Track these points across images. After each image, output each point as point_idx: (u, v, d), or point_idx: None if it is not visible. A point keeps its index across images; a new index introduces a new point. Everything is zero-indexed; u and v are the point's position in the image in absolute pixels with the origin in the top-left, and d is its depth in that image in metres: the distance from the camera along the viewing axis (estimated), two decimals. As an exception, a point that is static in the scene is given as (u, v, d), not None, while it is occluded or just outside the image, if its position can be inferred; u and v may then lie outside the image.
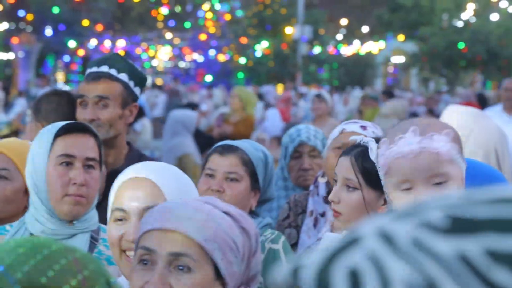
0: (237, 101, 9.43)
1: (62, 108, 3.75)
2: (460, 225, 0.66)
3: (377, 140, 2.71)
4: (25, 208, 2.79)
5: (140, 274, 1.81)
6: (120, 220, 2.11)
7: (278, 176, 4.01)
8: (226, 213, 1.84)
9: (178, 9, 34.55)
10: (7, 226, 2.62)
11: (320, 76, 34.33)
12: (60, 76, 31.30)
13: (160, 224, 1.80)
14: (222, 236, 1.80)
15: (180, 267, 1.78)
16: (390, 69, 38.31)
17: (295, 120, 14.96)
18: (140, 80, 3.52)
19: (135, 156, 3.56)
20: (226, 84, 26.91)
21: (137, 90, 3.49)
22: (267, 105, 16.11)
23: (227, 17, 34.85)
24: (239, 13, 34.97)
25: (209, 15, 34.92)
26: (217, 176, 2.82)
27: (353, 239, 0.69)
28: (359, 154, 2.54)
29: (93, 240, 2.55)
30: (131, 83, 3.46)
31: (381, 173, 2.08)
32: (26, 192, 2.76)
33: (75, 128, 2.55)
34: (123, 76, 3.43)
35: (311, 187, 3.40)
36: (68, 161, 2.50)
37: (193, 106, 13.43)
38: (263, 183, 2.90)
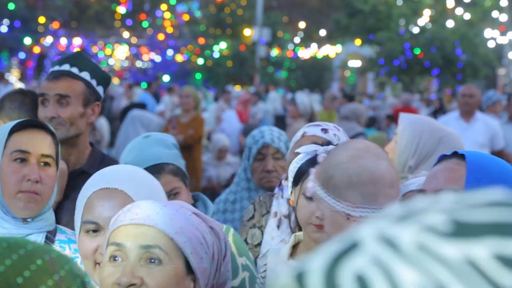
0: (191, 101, 9.36)
1: (25, 107, 3.71)
2: (464, 229, 0.66)
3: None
4: None
5: (111, 271, 1.81)
6: (93, 231, 2.07)
7: (241, 178, 4.01)
8: (194, 213, 1.86)
9: (135, 8, 34.34)
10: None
11: (277, 78, 34.43)
12: (15, 73, 30.87)
13: (129, 220, 1.81)
14: (192, 231, 1.82)
15: (152, 260, 1.79)
16: (347, 73, 38.60)
17: (254, 121, 14.99)
18: (103, 79, 3.49)
19: (98, 156, 3.53)
20: (183, 84, 26.81)
21: (100, 89, 3.46)
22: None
23: (185, 17, 34.76)
24: (198, 13, 34.91)
25: (167, 15, 34.79)
26: None
27: (352, 243, 0.69)
28: (304, 160, 2.64)
29: (48, 241, 2.51)
30: (93, 82, 3.43)
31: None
32: None
33: (31, 125, 2.50)
34: (85, 75, 3.40)
35: (276, 190, 3.40)
36: (22, 157, 2.46)
37: (142, 106, 13.32)
38: None
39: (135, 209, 1.82)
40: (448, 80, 30.70)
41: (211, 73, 32.54)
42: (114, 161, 3.56)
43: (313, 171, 2.08)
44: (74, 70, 3.39)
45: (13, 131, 2.47)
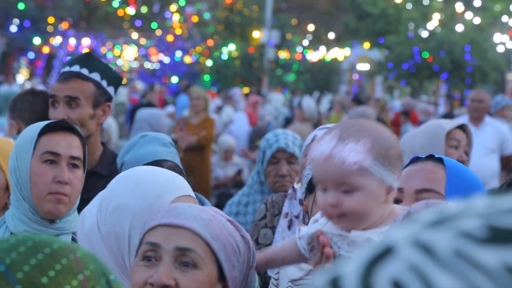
0: (202, 103, 9.36)
1: (36, 107, 3.73)
2: (500, 235, 0.65)
3: None
4: (6, 205, 2.75)
5: (142, 270, 1.77)
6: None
7: (255, 180, 4.00)
8: (228, 220, 1.83)
9: (144, 9, 34.36)
10: (-11, 224, 2.57)
11: (286, 81, 34.42)
12: (24, 72, 30.94)
13: (167, 220, 1.77)
14: (227, 238, 1.79)
15: (186, 263, 1.76)
16: (355, 76, 38.55)
17: (263, 123, 14.99)
18: (114, 80, 3.48)
19: (109, 157, 3.53)
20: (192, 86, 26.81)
21: (110, 89, 3.45)
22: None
23: (194, 18, 34.77)
24: (207, 15, 34.92)
25: (176, 16, 34.82)
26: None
27: (386, 248, 0.68)
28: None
29: (75, 242, 2.51)
30: (104, 83, 3.42)
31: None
32: (6, 189, 2.71)
33: (60, 127, 2.51)
34: (95, 76, 3.40)
35: (290, 191, 3.40)
36: (52, 158, 2.46)
37: (151, 105, 13.29)
38: None
39: (172, 211, 1.79)
40: (456, 84, 30.62)
41: (220, 75, 32.53)
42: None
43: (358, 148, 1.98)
44: (84, 71, 3.39)
45: (42, 132, 2.47)
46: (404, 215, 1.45)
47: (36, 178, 2.45)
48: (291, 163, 3.91)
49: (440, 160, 2.29)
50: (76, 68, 3.40)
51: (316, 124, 8.87)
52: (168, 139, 3.11)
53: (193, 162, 8.64)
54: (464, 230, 0.66)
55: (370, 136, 1.97)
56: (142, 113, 10.14)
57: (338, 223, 2.00)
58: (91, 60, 3.46)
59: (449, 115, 17.26)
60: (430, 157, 2.33)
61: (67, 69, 3.43)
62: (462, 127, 3.85)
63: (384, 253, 0.67)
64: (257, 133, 12.05)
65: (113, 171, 3.48)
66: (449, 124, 3.77)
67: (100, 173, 3.47)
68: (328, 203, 1.96)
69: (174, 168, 2.90)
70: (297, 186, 3.39)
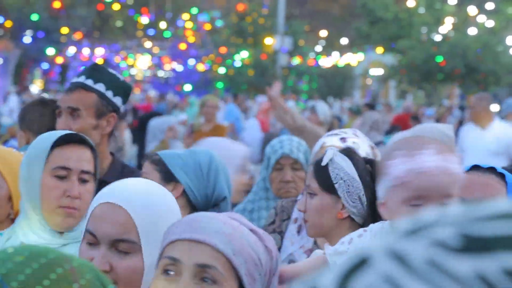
0: (215, 111, 9.41)
1: (45, 118, 3.76)
2: (474, 244, 0.65)
3: (348, 150, 2.75)
4: (8, 215, 2.77)
5: (163, 285, 1.77)
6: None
7: (260, 187, 4.00)
8: (251, 230, 1.82)
9: (162, 24, 34.47)
10: (-4, 233, 2.60)
11: (299, 87, 34.42)
12: (38, 83, 31.12)
13: (188, 234, 1.76)
14: (249, 252, 1.78)
15: (206, 280, 1.75)
16: (369, 81, 38.49)
17: (275, 130, 14.98)
18: (122, 90, 3.48)
19: (118, 166, 3.54)
20: (205, 93, 26.87)
21: (117, 99, 3.45)
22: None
23: (207, 26, 34.86)
24: (219, 23, 34.99)
25: (189, 24, 34.92)
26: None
27: (361, 260, 0.68)
28: (317, 161, 2.68)
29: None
30: (109, 93, 3.42)
31: (387, 184, 2.08)
32: (9, 199, 2.73)
33: (72, 139, 2.52)
34: (100, 86, 3.40)
35: (299, 196, 3.40)
36: (63, 174, 2.48)
37: (159, 114, 13.31)
38: (194, 177, 2.93)
39: (194, 224, 1.78)
40: (470, 88, 30.52)
41: (233, 82, 32.58)
42: (135, 171, 3.57)
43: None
44: (89, 82, 3.40)
45: (55, 145, 2.49)
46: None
47: (47, 191, 2.46)
48: (296, 169, 3.90)
49: (502, 175, 2.23)
50: (81, 78, 3.43)
51: (330, 129, 8.87)
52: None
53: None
54: (438, 239, 0.66)
55: (453, 150, 2.06)
56: (156, 122, 10.18)
57: None
58: (97, 70, 3.47)
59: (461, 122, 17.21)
60: (492, 169, 2.26)
61: (74, 79, 3.46)
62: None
63: (360, 264, 0.67)
64: (269, 140, 12.02)
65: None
66: (448, 130, 3.72)
67: (109, 182, 3.49)
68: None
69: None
70: None
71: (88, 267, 1.22)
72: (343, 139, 3.06)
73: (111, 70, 3.52)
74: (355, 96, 35.14)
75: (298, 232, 3.28)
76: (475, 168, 2.31)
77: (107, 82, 3.43)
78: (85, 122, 3.36)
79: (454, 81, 31.61)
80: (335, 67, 36.06)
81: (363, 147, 3.03)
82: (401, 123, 11.83)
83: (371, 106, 16.09)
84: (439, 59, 30.11)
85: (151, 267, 1.93)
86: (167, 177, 2.91)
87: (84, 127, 3.36)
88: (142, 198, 2.00)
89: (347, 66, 36.31)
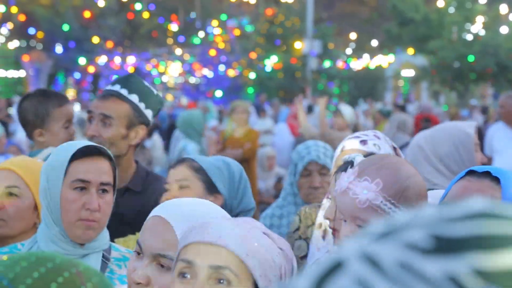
0: (246, 116, 9.42)
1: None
2: (443, 245, 0.65)
3: (368, 155, 2.74)
4: (34, 225, 2.80)
5: (179, 287, 1.80)
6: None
7: (288, 192, 4.01)
8: (264, 233, 1.84)
9: (192, 31, 34.65)
10: (19, 245, 2.62)
11: (330, 91, 34.35)
12: (70, 93, 31.44)
13: (201, 237, 1.79)
14: (262, 253, 1.79)
15: (221, 281, 1.77)
16: (400, 83, 38.29)
17: (305, 134, 14.93)
18: (154, 103, 3.50)
19: (142, 173, 3.57)
20: (235, 99, 26.93)
21: (148, 112, 3.47)
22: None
23: (237, 32, 34.95)
24: (248, 28, 35.07)
25: (218, 30, 35.04)
26: (171, 187, 2.96)
27: (336, 263, 0.68)
28: (341, 169, 2.67)
29: (105, 260, 2.55)
30: (142, 105, 3.45)
31: None
32: (35, 209, 2.76)
33: (90, 151, 2.53)
34: (134, 97, 3.43)
35: (324, 200, 3.39)
36: (82, 186, 2.49)
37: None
38: (228, 188, 2.95)
39: (207, 227, 1.80)
40: (503, 86, 30.20)
41: (263, 87, 32.62)
42: (159, 178, 3.59)
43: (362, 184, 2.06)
44: (124, 91, 3.43)
45: (74, 157, 2.51)
46: None
47: (66, 204, 2.48)
48: (323, 174, 3.92)
49: (496, 180, 2.18)
50: (116, 87, 3.45)
51: (354, 131, 8.84)
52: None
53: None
54: (409, 241, 0.66)
55: (387, 176, 2.05)
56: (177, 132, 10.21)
57: None
58: (132, 81, 3.49)
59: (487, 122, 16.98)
60: (487, 173, 2.22)
61: (109, 87, 3.49)
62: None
63: (334, 268, 0.68)
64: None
65: (146, 187, 3.53)
66: (469, 128, 3.67)
67: (133, 189, 3.52)
68: (343, 233, 2.08)
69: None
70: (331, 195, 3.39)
71: (94, 272, 1.23)
72: (363, 142, 3.05)
73: (146, 83, 3.54)
74: (386, 97, 34.96)
75: (323, 237, 3.27)
76: (471, 173, 2.26)
77: (141, 93, 3.46)
78: (115, 131, 3.39)
79: (486, 81, 31.32)
80: (366, 69, 35.93)
81: (385, 148, 3.02)
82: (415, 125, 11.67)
83: (401, 108, 15.99)
84: (471, 58, 29.85)
85: None
86: (210, 188, 2.93)
87: (114, 136, 3.39)
88: (190, 215, 2.00)
89: (378, 68, 36.15)
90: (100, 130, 3.38)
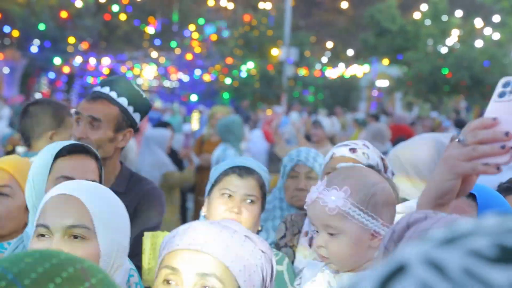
0: (224, 122, 9.37)
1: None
2: (509, 254, 0.66)
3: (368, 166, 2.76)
4: (25, 225, 2.77)
5: None
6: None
7: (275, 196, 4.02)
8: (246, 236, 1.85)
9: (168, 35, 34.58)
10: (5, 244, 2.60)
11: (305, 98, 34.45)
12: (44, 92, 31.21)
13: (186, 244, 1.79)
14: (247, 258, 1.81)
15: None
16: (375, 93, 38.51)
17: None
18: (142, 106, 3.49)
19: (126, 174, 3.56)
20: (211, 104, 26.92)
21: (136, 115, 3.47)
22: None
23: (213, 37, 34.95)
24: (226, 33, 35.08)
25: (196, 35, 35.01)
26: (236, 198, 2.89)
27: (398, 266, 0.69)
28: None
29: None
30: (130, 108, 3.44)
31: None
32: (26, 209, 2.74)
33: (76, 150, 2.52)
34: (122, 100, 3.42)
35: None
36: None
37: (165, 124, 13.31)
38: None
39: (191, 233, 1.80)
40: (476, 100, 30.51)
41: (239, 93, 32.63)
42: (143, 179, 3.59)
43: (332, 192, 2.10)
44: (113, 94, 3.42)
45: (58, 155, 2.48)
46: (389, 233, 1.49)
47: None
48: (310, 178, 3.92)
49: (473, 196, 2.15)
50: (106, 89, 3.44)
51: (331, 142, 8.88)
52: None
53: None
54: (474, 248, 0.67)
55: (354, 184, 2.13)
56: (152, 132, 10.16)
57: (328, 264, 2.18)
58: (121, 84, 3.48)
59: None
60: None
61: (97, 89, 3.47)
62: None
63: (397, 271, 0.69)
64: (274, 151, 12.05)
65: (130, 188, 3.52)
66: (446, 138, 3.70)
67: (118, 191, 3.50)
68: (316, 244, 2.15)
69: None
70: None
71: (98, 269, 1.24)
72: (353, 150, 3.07)
73: (135, 85, 3.53)
74: (360, 107, 35.15)
75: (310, 245, 3.28)
76: None
77: (130, 97, 3.44)
78: (103, 134, 3.38)
79: (460, 93, 31.61)
80: (341, 78, 36.10)
81: (373, 157, 3.04)
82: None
83: (375, 117, 16.09)
84: (445, 71, 30.12)
85: (107, 254, 1.98)
86: (263, 206, 3.02)
87: (101, 139, 3.37)
88: (93, 189, 2.06)
89: (353, 77, 36.34)
90: (88, 132, 3.37)
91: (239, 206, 2.86)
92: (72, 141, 2.60)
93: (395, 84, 33.47)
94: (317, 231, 2.17)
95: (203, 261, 1.78)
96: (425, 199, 1.66)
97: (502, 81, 1.64)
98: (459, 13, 32.80)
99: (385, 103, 37.45)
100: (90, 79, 32.25)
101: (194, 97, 32.96)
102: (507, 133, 1.55)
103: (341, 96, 35.96)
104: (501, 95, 1.63)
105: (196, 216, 7.63)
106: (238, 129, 8.20)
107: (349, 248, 2.10)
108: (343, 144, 3.18)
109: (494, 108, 1.63)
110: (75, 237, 1.98)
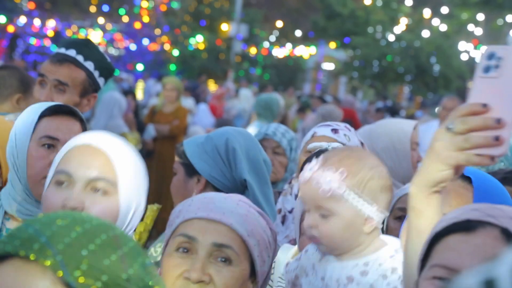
0: (176, 93, 9.38)
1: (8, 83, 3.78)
2: None
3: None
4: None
5: (178, 262, 1.78)
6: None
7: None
8: (259, 212, 1.83)
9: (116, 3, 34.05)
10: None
11: (251, 77, 34.42)
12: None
13: (204, 213, 1.76)
14: (260, 233, 1.81)
15: (222, 259, 1.76)
16: (320, 75, 38.70)
17: (228, 116, 14.95)
18: (107, 71, 3.44)
19: None
20: (157, 75, 26.68)
21: (101, 80, 3.43)
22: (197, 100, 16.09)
23: (163, 7, 34.56)
24: (174, 4, 34.72)
25: (145, 4, 34.56)
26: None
27: (490, 280, 0.69)
28: (312, 157, 2.64)
29: None
30: (96, 73, 3.39)
31: None
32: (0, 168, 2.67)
33: (61, 111, 2.47)
34: (89, 65, 3.36)
35: (286, 186, 3.40)
36: (50, 143, 2.44)
37: (126, 92, 13.30)
38: (213, 164, 2.86)
39: (209, 204, 1.77)
40: (419, 89, 30.93)
41: (186, 65, 32.42)
42: None
43: (327, 173, 2.03)
44: (80, 58, 3.35)
45: (42, 115, 2.43)
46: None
47: (33, 161, 2.42)
48: (277, 153, 3.91)
49: (468, 179, 2.13)
50: (72, 52, 3.36)
51: (282, 122, 8.87)
52: None
53: (165, 151, 8.69)
54: None
55: (351, 166, 2.04)
56: (112, 96, 10.10)
57: (317, 245, 2.08)
58: (88, 47, 3.41)
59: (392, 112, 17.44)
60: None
61: (62, 50, 3.38)
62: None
63: (488, 285, 0.69)
64: (221, 125, 12.02)
65: None
66: (408, 126, 3.73)
67: None
68: (307, 223, 2.04)
69: None
70: (295, 181, 3.39)
71: (129, 238, 1.22)
72: (335, 130, 3.07)
73: (101, 50, 3.47)
74: (305, 88, 35.30)
75: (283, 222, 3.29)
76: None
77: (96, 61, 3.39)
78: (69, 98, 3.31)
79: (404, 82, 31.99)
80: (287, 58, 36.15)
81: (354, 140, 3.04)
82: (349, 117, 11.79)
83: (322, 100, 16.14)
84: (390, 58, 30.43)
85: (124, 214, 1.95)
86: (190, 171, 2.82)
87: (67, 103, 3.31)
88: (121, 145, 2.03)
89: (299, 58, 36.43)
90: (53, 96, 3.30)
91: None
92: (58, 102, 2.55)
93: (341, 67, 33.69)
94: (308, 211, 2.08)
95: (220, 232, 1.76)
96: (418, 188, 1.63)
97: (486, 52, 1.55)
98: (409, 2, 33.11)
99: (329, 87, 37.70)
100: (33, 40, 31.61)
101: (140, 67, 32.60)
102: (498, 120, 1.51)
103: (287, 76, 36.04)
104: (486, 69, 1.54)
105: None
106: (276, 107, 8.14)
107: (341, 231, 2.01)
108: (325, 124, 3.17)
109: (480, 86, 1.54)
110: (96, 190, 1.92)
